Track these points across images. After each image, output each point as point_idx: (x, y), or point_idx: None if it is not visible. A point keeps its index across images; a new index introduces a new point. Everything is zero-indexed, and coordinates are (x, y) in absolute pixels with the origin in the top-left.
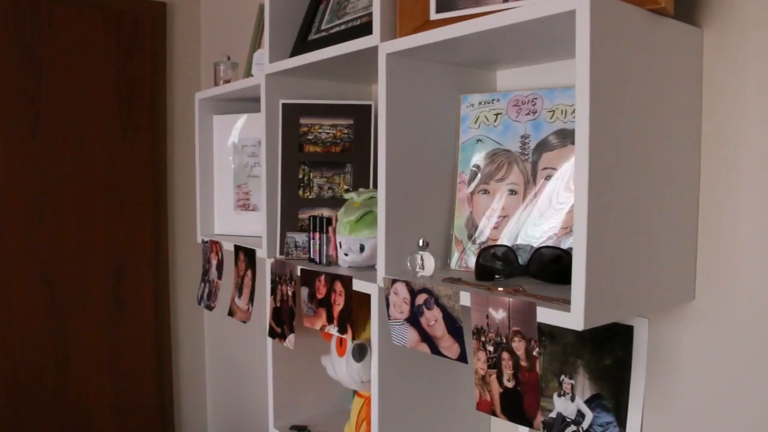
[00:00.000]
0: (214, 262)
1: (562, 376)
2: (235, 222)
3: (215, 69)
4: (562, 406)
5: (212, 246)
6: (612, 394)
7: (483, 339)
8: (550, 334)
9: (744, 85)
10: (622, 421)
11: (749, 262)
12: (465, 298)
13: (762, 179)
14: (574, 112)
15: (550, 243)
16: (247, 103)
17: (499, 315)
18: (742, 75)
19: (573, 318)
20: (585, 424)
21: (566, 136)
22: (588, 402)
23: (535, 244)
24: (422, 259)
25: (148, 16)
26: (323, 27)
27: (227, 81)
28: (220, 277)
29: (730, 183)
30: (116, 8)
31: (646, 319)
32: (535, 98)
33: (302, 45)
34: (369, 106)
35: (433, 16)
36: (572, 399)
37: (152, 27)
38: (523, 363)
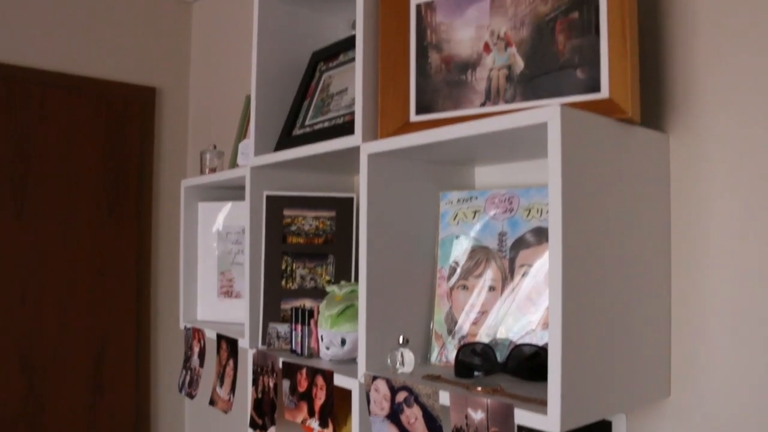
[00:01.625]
0: (196, 349)
1: None
2: (218, 308)
3: (201, 157)
4: None
5: (194, 333)
6: None
7: None
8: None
9: (709, 184)
10: None
11: (722, 359)
12: (444, 397)
13: (731, 277)
14: None
15: (528, 338)
16: (231, 190)
17: (477, 415)
18: (708, 175)
19: (550, 420)
20: None
21: (542, 234)
22: None
23: (515, 339)
24: (402, 355)
25: (137, 101)
26: (307, 122)
27: (213, 169)
28: (202, 364)
29: (700, 281)
30: (106, 92)
31: (624, 414)
32: (512, 197)
33: (287, 140)
34: (351, 199)
35: (413, 117)
36: None
37: (141, 111)
38: None
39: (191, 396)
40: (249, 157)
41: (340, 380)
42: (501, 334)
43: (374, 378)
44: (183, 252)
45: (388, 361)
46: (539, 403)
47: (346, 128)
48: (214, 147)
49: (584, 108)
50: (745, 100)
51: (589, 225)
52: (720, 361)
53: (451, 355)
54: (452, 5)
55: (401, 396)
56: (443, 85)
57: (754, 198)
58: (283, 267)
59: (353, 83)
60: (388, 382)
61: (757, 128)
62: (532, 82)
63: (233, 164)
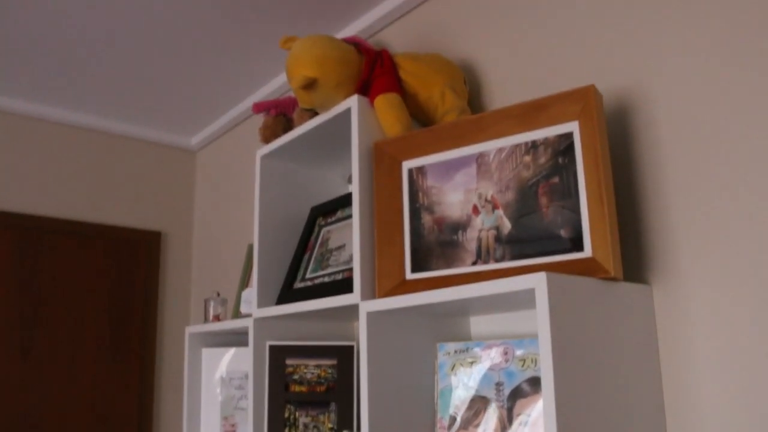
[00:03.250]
0: None
1: None
2: None
3: (206, 305)
4: None
5: None
6: None
7: None
8: None
9: (694, 330)
10: None
11: None
12: None
13: (724, 421)
14: None
15: None
16: (235, 336)
17: None
18: (692, 321)
19: None
20: None
21: (538, 384)
22: None
23: None
24: None
25: (143, 245)
26: (308, 276)
27: (216, 316)
28: None
29: (692, 427)
30: (113, 237)
31: None
32: (507, 348)
33: (289, 293)
34: (351, 347)
35: (409, 275)
36: None
37: (147, 254)
38: None
39: None
40: (252, 306)
41: None
42: None
43: None
44: (186, 397)
45: None
46: None
47: (346, 284)
48: (218, 294)
49: (569, 267)
50: (720, 249)
51: (580, 377)
52: None
53: None
54: (442, 170)
55: None
56: (436, 244)
57: (738, 340)
58: (286, 415)
59: (351, 240)
60: None
61: (733, 275)
62: (519, 242)
63: (236, 311)
